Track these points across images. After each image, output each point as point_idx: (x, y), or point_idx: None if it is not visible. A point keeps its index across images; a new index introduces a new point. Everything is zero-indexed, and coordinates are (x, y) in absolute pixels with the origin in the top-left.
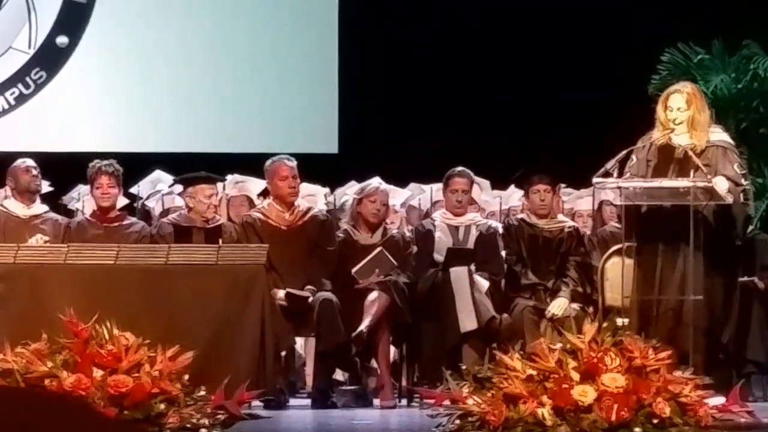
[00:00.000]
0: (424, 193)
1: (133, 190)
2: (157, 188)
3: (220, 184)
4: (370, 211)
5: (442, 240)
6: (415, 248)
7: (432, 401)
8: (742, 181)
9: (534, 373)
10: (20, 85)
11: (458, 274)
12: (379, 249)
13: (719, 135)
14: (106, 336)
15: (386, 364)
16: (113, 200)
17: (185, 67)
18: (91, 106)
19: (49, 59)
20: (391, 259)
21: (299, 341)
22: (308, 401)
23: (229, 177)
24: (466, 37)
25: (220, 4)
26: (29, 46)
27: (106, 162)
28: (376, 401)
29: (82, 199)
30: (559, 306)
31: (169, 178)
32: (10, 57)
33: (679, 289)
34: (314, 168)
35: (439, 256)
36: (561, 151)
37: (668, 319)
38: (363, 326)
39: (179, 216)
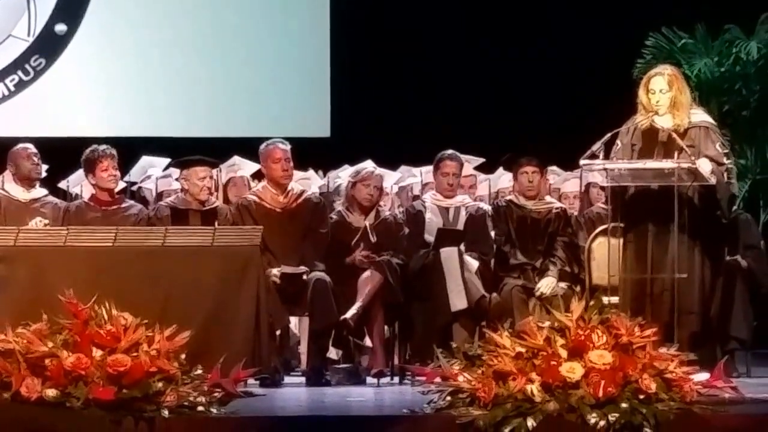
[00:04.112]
0: (414, 176)
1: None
2: (148, 173)
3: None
4: (363, 196)
5: (433, 221)
6: (406, 230)
7: (423, 378)
8: (725, 160)
9: (523, 350)
10: (20, 72)
11: (448, 254)
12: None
13: (701, 116)
14: (105, 316)
15: (380, 341)
16: (118, 182)
17: (181, 53)
18: (89, 93)
19: (48, 46)
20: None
21: (293, 320)
22: (302, 379)
23: (234, 159)
24: (456, 21)
25: None
26: (28, 34)
27: (104, 146)
28: (369, 379)
29: (80, 184)
30: (547, 285)
31: (159, 162)
32: (10, 44)
33: (671, 268)
34: (307, 152)
35: (429, 237)
36: (548, 133)
37: (665, 299)
38: (349, 314)
39: (176, 199)
